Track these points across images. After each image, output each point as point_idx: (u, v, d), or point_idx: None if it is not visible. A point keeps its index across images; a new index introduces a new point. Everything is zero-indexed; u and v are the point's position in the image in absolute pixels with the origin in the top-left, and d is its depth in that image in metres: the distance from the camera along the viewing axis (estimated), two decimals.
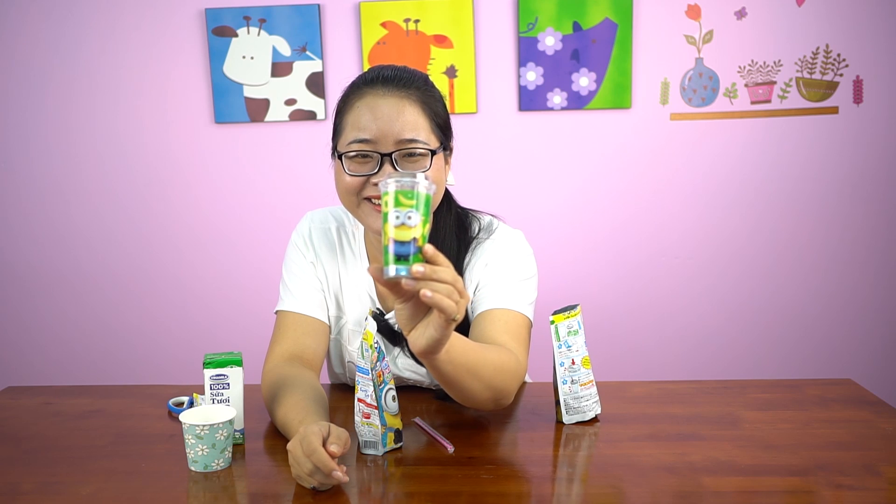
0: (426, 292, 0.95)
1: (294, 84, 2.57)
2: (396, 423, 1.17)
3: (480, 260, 1.36)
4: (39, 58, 2.62)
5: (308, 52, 2.56)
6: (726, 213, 2.60)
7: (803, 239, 2.61)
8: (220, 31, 2.56)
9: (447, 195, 1.39)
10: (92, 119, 2.65)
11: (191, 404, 1.38)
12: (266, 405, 1.30)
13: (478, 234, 1.39)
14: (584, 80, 2.53)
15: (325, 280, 1.43)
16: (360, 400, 1.15)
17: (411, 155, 1.25)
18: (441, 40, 2.52)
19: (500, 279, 1.34)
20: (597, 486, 1.08)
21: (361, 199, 1.28)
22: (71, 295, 2.74)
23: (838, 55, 2.49)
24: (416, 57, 2.52)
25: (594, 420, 1.28)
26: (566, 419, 1.26)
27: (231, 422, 1.13)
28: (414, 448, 1.19)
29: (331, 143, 1.34)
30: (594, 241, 2.63)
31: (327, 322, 1.42)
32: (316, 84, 2.57)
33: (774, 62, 2.51)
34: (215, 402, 1.20)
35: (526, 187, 2.61)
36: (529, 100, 2.55)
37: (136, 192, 2.68)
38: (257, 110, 2.59)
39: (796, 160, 2.56)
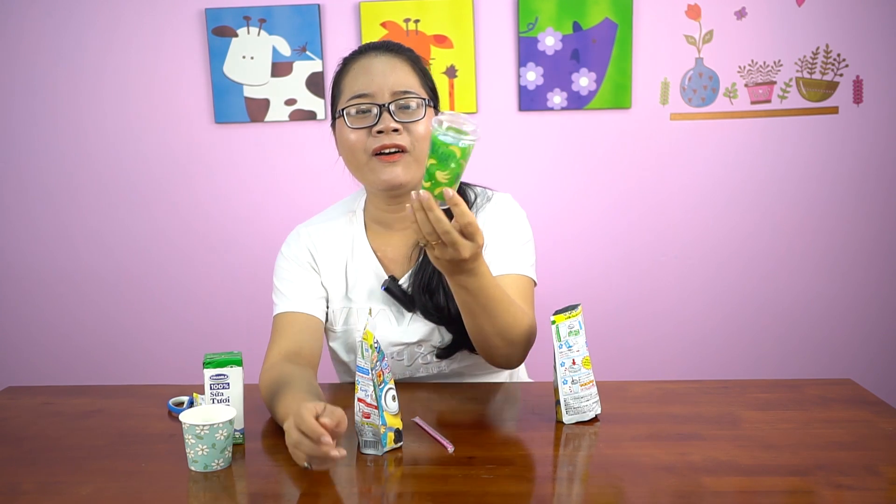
0: (407, 205, 1.11)
1: (294, 84, 2.57)
2: (396, 422, 1.17)
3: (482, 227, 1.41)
4: (40, 58, 2.62)
5: (308, 52, 2.56)
6: (726, 213, 2.60)
7: (803, 239, 2.61)
8: (220, 31, 2.56)
9: None
10: (92, 119, 2.65)
11: (191, 404, 1.38)
12: (266, 404, 1.31)
13: (475, 200, 1.46)
14: (584, 80, 2.53)
15: (325, 273, 1.47)
16: (360, 400, 1.15)
17: (407, 107, 1.35)
18: (441, 40, 2.52)
19: (502, 244, 1.41)
20: (597, 486, 1.08)
21: (369, 157, 1.36)
22: (71, 295, 2.74)
23: (838, 55, 2.49)
24: None
25: (594, 420, 1.28)
26: (566, 419, 1.26)
27: (231, 422, 1.13)
28: (414, 448, 1.19)
29: (330, 115, 1.45)
30: (594, 240, 2.63)
31: (323, 321, 1.46)
32: (316, 84, 2.57)
33: (774, 62, 2.51)
34: (215, 402, 1.20)
35: (525, 187, 2.60)
36: (529, 100, 2.55)
37: (136, 191, 2.68)
38: (257, 110, 2.59)
39: (796, 160, 2.56)
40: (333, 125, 1.43)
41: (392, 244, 1.47)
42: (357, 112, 1.36)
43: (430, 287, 1.40)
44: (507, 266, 1.40)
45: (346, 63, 1.42)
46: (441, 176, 1.09)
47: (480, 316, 1.24)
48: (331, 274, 1.47)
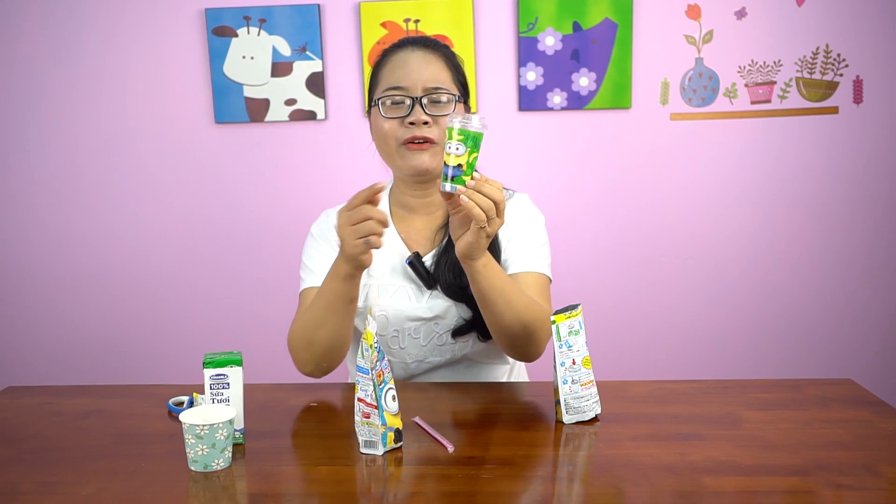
0: (464, 197, 1.19)
1: (294, 84, 2.57)
2: (396, 422, 1.18)
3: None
4: (39, 58, 2.62)
5: (308, 52, 2.55)
6: (726, 213, 2.60)
7: (803, 239, 2.61)
8: (220, 31, 2.56)
9: None
10: (92, 119, 2.65)
11: (191, 404, 1.38)
12: (308, 337, 1.40)
13: None
14: (584, 80, 2.53)
15: None
16: (360, 400, 1.15)
17: (438, 102, 1.45)
18: (441, 40, 2.52)
19: (522, 243, 1.51)
20: (597, 486, 1.08)
21: (399, 144, 1.45)
22: (70, 295, 2.74)
23: (838, 55, 2.49)
24: None
25: (594, 420, 1.28)
26: (566, 419, 1.26)
27: (231, 422, 1.13)
28: (414, 448, 1.19)
29: (366, 102, 1.55)
30: (594, 240, 2.63)
31: None
32: (316, 84, 2.57)
33: (774, 62, 2.51)
34: (215, 401, 1.20)
35: (525, 187, 2.59)
36: (529, 100, 2.55)
37: (135, 191, 2.68)
38: (257, 110, 2.59)
39: (796, 160, 2.56)
40: (369, 112, 1.53)
41: (415, 227, 1.55)
42: (391, 103, 1.45)
43: (457, 267, 1.46)
44: (527, 264, 1.49)
45: (385, 55, 1.52)
46: (476, 164, 1.20)
47: (499, 301, 1.32)
48: None
